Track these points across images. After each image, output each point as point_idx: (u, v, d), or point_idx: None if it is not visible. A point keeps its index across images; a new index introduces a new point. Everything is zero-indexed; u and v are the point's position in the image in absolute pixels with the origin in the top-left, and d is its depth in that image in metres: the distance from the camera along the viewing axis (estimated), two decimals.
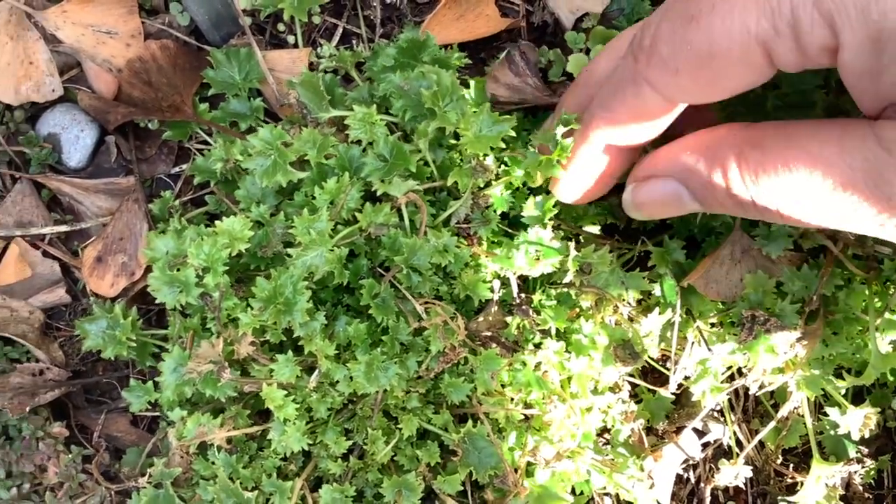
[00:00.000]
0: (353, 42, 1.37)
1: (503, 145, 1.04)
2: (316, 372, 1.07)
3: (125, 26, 1.33)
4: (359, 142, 1.11)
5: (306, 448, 1.09)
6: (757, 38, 0.66)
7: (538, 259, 1.08)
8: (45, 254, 1.32)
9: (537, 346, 1.14)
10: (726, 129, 0.80)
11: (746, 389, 1.21)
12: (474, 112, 1.04)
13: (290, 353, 1.07)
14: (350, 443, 1.12)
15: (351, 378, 1.06)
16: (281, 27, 1.36)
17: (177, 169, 1.36)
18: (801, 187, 0.70)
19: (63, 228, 1.33)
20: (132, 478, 1.20)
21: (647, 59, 0.76)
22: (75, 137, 1.33)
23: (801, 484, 1.20)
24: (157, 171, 1.35)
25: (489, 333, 1.12)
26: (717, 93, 0.75)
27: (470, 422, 1.10)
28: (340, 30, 1.37)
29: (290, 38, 1.36)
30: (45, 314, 1.32)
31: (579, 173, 0.97)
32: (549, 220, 1.07)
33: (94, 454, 1.28)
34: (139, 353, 1.20)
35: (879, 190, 0.66)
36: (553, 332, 1.14)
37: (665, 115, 0.83)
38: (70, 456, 1.24)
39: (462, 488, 1.10)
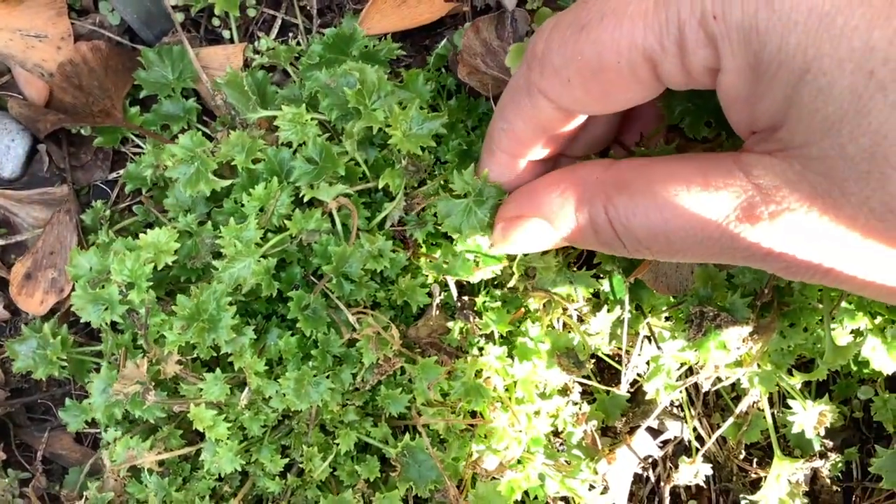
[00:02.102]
0: (291, 34, 1.32)
1: (434, 144, 0.99)
2: (246, 389, 1.04)
3: (55, 29, 1.28)
4: (289, 144, 1.06)
5: (241, 468, 1.06)
6: (644, 53, 0.65)
7: (477, 265, 1.03)
8: None
9: (481, 350, 1.10)
10: (590, 168, 0.79)
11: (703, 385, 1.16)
12: (403, 109, 0.99)
13: (218, 371, 1.03)
14: (287, 460, 1.09)
15: (283, 394, 1.02)
16: (216, 22, 1.31)
17: (113, 175, 1.31)
18: (674, 227, 0.70)
19: None
20: (70, 500, 1.16)
21: (541, 68, 0.74)
22: (6, 147, 1.28)
23: (765, 479, 1.16)
24: (94, 178, 1.31)
25: (430, 340, 1.08)
26: (609, 105, 0.74)
27: (409, 434, 1.06)
28: (279, 21, 1.32)
29: (226, 33, 1.31)
30: None
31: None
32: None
33: (31, 477, 1.25)
34: (75, 370, 1.17)
35: (750, 222, 0.66)
36: (496, 336, 1.09)
37: (564, 125, 0.80)
38: (7, 480, 1.21)
39: None
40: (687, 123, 0.87)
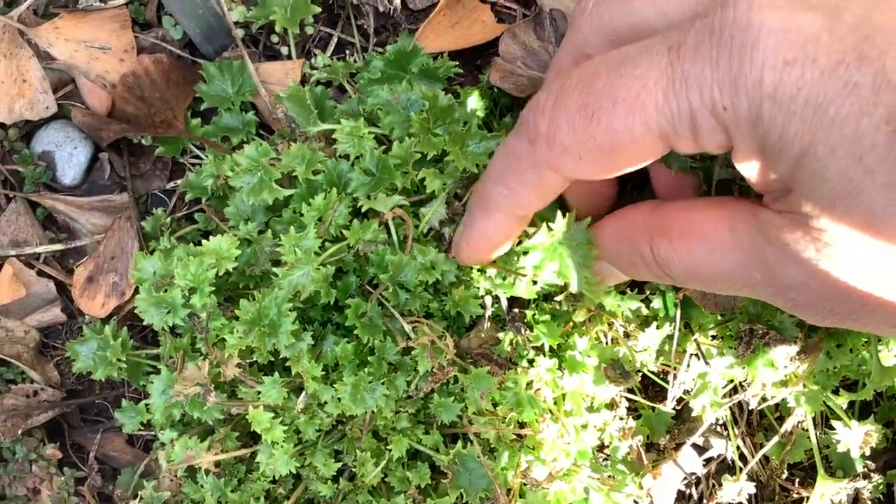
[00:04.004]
0: (348, 51, 1.35)
1: (488, 160, 1.02)
2: (303, 394, 1.06)
3: (118, 41, 1.32)
4: (347, 156, 1.09)
5: (295, 471, 1.08)
6: (659, 134, 0.69)
7: (535, 283, 1.06)
8: (40, 273, 1.32)
9: (531, 362, 1.12)
10: (636, 213, 0.87)
11: (748, 403, 1.17)
12: (461, 132, 1.02)
13: (276, 374, 1.05)
14: (340, 464, 1.11)
15: (339, 399, 1.04)
16: (274, 38, 1.34)
17: (171, 184, 1.35)
18: (706, 269, 0.78)
19: (58, 247, 1.32)
20: (124, 500, 1.19)
21: (549, 146, 0.78)
22: (69, 155, 1.32)
23: (807, 499, 1.16)
24: (152, 187, 1.35)
25: (481, 351, 1.10)
26: (617, 171, 0.78)
27: (460, 442, 1.08)
28: (335, 39, 1.35)
29: (284, 50, 1.34)
30: (40, 334, 1.32)
31: (479, 242, 0.98)
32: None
33: (87, 476, 1.27)
34: (132, 373, 1.19)
35: (763, 273, 0.73)
36: (546, 348, 1.11)
37: (564, 186, 0.86)
38: (63, 479, 1.24)
39: None
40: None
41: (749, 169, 0.69)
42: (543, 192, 0.86)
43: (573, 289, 0.92)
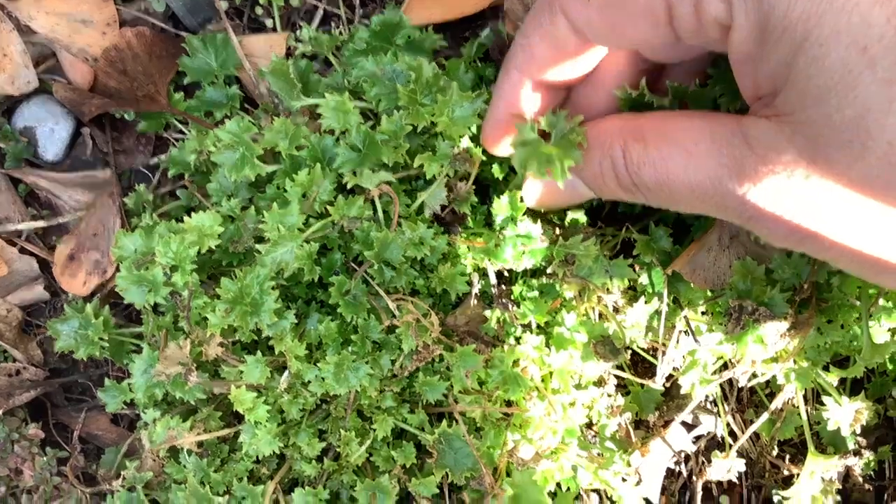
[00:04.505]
0: (334, 24, 1.33)
1: (479, 123, 1.00)
2: (286, 373, 1.05)
3: (100, 14, 1.30)
4: (332, 131, 1.07)
5: (278, 451, 1.06)
6: None
7: (523, 254, 1.04)
8: (23, 250, 1.30)
9: (518, 340, 1.10)
10: (612, 120, 0.84)
11: (738, 380, 1.16)
12: (447, 100, 1.00)
13: (259, 353, 1.04)
14: (324, 444, 1.10)
15: (323, 378, 1.03)
16: (259, 11, 1.32)
17: (155, 160, 1.33)
18: (678, 178, 0.75)
19: (40, 224, 1.30)
20: (107, 480, 1.18)
21: None
22: (50, 130, 1.30)
23: (798, 476, 1.15)
24: (136, 163, 1.33)
25: (467, 329, 1.09)
26: (619, 37, 0.78)
27: (445, 421, 1.07)
28: (321, 12, 1.33)
29: (269, 22, 1.32)
30: (23, 312, 1.30)
31: (500, 113, 0.94)
32: (522, 216, 1.03)
33: (69, 456, 1.26)
34: (115, 351, 1.18)
35: (739, 182, 0.70)
36: (533, 325, 1.10)
37: (579, 54, 0.85)
38: (45, 458, 1.23)
39: (438, 490, 1.07)
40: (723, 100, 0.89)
41: (743, 57, 0.69)
42: (554, 43, 0.84)
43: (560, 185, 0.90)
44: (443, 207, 1.07)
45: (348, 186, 1.04)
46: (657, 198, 0.80)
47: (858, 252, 0.69)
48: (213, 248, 1.04)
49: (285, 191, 1.06)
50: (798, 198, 0.68)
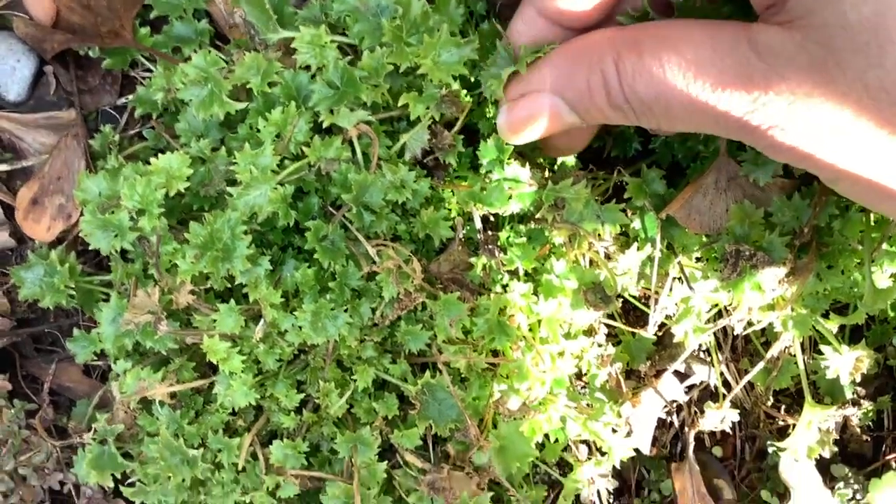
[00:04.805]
0: None
1: (466, 71, 0.94)
2: (262, 322, 1.00)
3: None
4: (308, 68, 1.01)
5: (255, 402, 1.02)
6: None
7: (510, 197, 0.99)
8: None
9: (504, 287, 1.06)
10: (601, 32, 0.78)
11: (733, 329, 1.13)
12: (433, 41, 0.94)
13: (233, 302, 0.99)
14: (302, 395, 1.05)
15: (300, 328, 0.98)
16: None
17: (122, 100, 1.26)
18: (675, 89, 0.69)
19: (3, 168, 1.24)
20: (78, 432, 1.14)
21: None
22: (11, 69, 1.23)
23: (793, 427, 1.12)
24: (102, 103, 1.26)
25: (451, 276, 1.04)
26: None
27: (429, 372, 1.03)
28: None
29: None
30: None
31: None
32: (509, 159, 0.98)
33: (39, 408, 1.21)
34: (83, 300, 1.13)
35: (746, 90, 0.66)
36: (520, 272, 1.05)
37: None
38: (13, 411, 1.18)
39: (422, 442, 1.03)
40: None
41: None
42: None
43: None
44: (425, 153, 1.02)
45: (325, 126, 0.98)
46: (651, 114, 0.74)
47: (861, 176, 0.66)
48: (183, 191, 0.99)
49: (258, 130, 1.00)
50: (803, 110, 0.64)
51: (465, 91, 0.97)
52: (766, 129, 0.67)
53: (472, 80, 0.98)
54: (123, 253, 1.06)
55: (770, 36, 0.64)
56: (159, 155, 0.99)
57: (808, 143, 0.66)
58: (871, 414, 1.18)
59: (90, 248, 1.08)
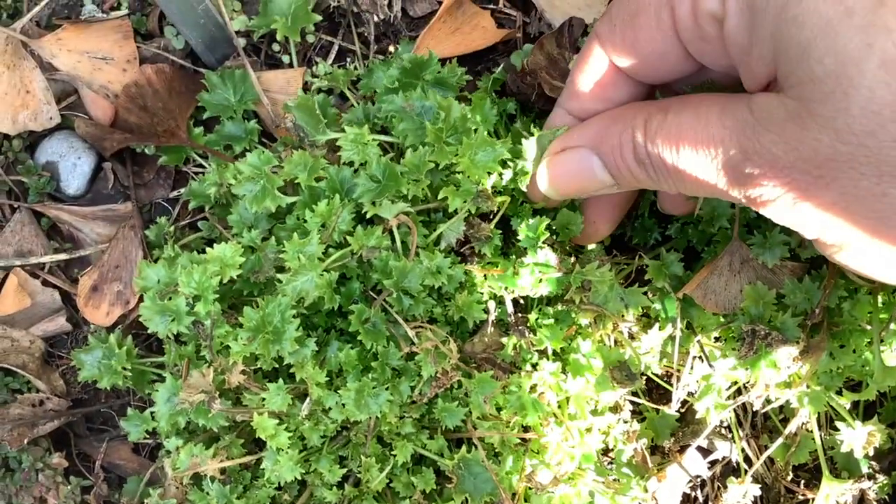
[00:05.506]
0: (349, 58, 1.36)
1: (500, 169, 1.03)
2: (307, 400, 1.06)
3: (121, 52, 1.33)
4: (351, 163, 1.09)
5: (300, 477, 1.08)
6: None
7: (541, 281, 1.06)
8: (45, 283, 1.32)
9: (534, 366, 1.12)
10: (639, 102, 0.90)
11: (752, 405, 1.17)
12: (471, 142, 1.02)
13: (281, 381, 1.06)
14: (345, 470, 1.11)
15: (343, 405, 1.04)
16: (276, 47, 1.35)
17: (175, 193, 1.36)
18: (686, 143, 0.78)
19: (62, 257, 1.33)
20: None
21: (600, 18, 0.89)
22: (73, 165, 1.33)
23: (813, 501, 1.16)
24: (156, 196, 1.35)
25: (484, 355, 1.10)
26: (638, 55, 0.85)
27: (464, 447, 1.08)
28: (336, 47, 1.36)
29: (286, 58, 1.35)
30: (46, 343, 1.33)
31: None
32: (544, 241, 1.05)
33: (93, 485, 1.28)
34: (137, 381, 1.20)
35: (741, 148, 0.73)
36: (549, 352, 1.12)
37: (612, 83, 0.92)
38: (69, 487, 1.24)
39: None
40: None
41: (739, 47, 0.73)
42: (591, 76, 0.91)
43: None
44: (460, 242, 1.09)
45: (367, 217, 1.06)
46: (667, 169, 0.82)
47: (844, 222, 0.72)
48: (235, 277, 1.06)
49: (305, 221, 1.08)
50: (784, 162, 0.70)
51: (492, 188, 1.06)
52: (761, 184, 0.73)
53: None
54: (177, 336, 1.13)
55: (763, 98, 0.72)
56: (214, 245, 1.07)
57: (793, 192, 0.72)
58: (886, 487, 1.21)
59: (143, 331, 1.15)
